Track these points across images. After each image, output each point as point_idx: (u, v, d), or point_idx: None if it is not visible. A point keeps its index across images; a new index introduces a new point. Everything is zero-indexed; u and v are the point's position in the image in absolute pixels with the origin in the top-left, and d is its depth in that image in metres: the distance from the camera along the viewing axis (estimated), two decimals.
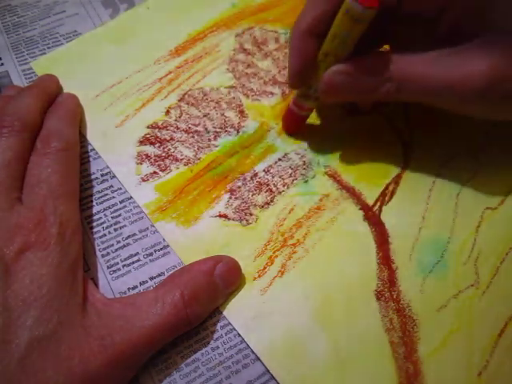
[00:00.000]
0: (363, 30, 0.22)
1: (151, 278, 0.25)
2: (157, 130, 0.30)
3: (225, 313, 0.24)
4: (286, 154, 0.30)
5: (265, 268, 0.25)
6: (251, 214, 0.27)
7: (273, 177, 0.29)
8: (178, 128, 0.31)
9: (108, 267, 0.26)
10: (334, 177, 0.29)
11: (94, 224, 0.27)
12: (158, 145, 0.30)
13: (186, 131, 0.30)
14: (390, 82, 0.23)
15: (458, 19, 0.23)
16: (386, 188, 0.28)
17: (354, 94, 0.25)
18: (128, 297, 0.23)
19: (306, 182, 0.28)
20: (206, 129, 0.31)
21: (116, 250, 0.26)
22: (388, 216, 0.27)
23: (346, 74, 0.23)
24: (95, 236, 0.26)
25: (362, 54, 0.24)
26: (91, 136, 0.30)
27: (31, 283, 0.21)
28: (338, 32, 0.23)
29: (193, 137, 0.30)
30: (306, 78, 0.26)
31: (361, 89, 0.24)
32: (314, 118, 0.31)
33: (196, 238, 0.26)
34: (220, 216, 0.27)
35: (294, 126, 0.30)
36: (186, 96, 0.32)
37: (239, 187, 0.28)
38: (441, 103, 0.24)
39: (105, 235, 0.27)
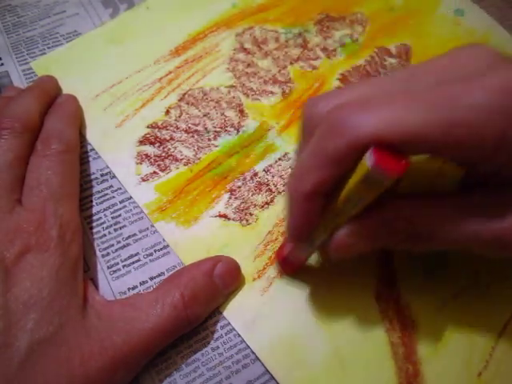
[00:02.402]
0: (380, 193, 0.19)
1: (151, 278, 0.25)
2: (157, 129, 0.30)
3: (225, 313, 0.24)
4: (286, 154, 0.30)
5: (264, 268, 0.25)
6: (251, 214, 0.27)
7: (273, 176, 0.29)
8: (177, 128, 0.31)
9: (108, 267, 0.26)
10: None
11: (94, 224, 0.27)
12: (157, 145, 0.30)
13: (186, 131, 0.30)
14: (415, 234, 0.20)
15: (499, 169, 0.20)
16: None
17: (369, 250, 0.22)
18: (128, 298, 0.23)
19: None
20: (205, 128, 0.31)
21: (116, 250, 0.26)
22: None
23: (359, 236, 0.21)
24: (95, 236, 0.27)
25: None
26: (91, 136, 0.30)
27: (31, 286, 0.21)
28: (352, 197, 0.19)
29: (193, 136, 0.30)
30: (307, 236, 0.22)
31: (378, 245, 0.21)
32: None
33: (196, 238, 0.26)
34: (220, 216, 0.27)
35: (293, 269, 0.26)
36: (186, 96, 0.32)
37: (239, 187, 0.28)
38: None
39: (105, 235, 0.27)
